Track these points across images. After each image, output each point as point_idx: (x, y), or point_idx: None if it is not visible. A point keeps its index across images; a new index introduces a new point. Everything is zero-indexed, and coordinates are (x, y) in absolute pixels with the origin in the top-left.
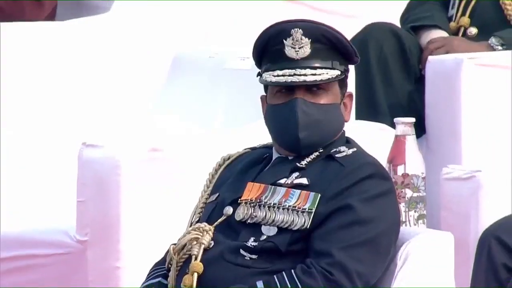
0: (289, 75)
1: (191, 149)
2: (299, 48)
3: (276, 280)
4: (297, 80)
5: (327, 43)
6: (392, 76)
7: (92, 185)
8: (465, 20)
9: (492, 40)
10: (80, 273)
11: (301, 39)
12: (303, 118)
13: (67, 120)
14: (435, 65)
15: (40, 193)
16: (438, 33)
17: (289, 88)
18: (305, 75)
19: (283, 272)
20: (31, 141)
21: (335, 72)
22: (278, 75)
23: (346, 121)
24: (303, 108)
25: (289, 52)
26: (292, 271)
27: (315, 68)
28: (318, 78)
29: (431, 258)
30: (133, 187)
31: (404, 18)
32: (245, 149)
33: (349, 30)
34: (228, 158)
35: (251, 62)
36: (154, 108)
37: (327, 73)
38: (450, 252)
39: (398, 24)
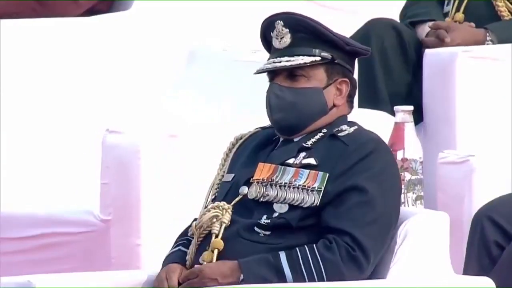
0: (269, 63)
1: (205, 136)
2: (280, 39)
3: (298, 251)
4: (270, 67)
5: (307, 32)
6: (392, 67)
7: (115, 168)
8: (460, 16)
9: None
10: (103, 249)
11: (282, 30)
12: (275, 101)
13: (93, 109)
14: (432, 57)
15: (67, 176)
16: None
17: (272, 76)
18: (279, 62)
19: (305, 246)
20: (60, 128)
21: (314, 58)
22: (265, 65)
23: (336, 106)
24: (276, 92)
25: (275, 43)
26: (314, 245)
27: (292, 55)
28: (287, 64)
29: (428, 236)
30: (152, 170)
31: (403, 14)
32: (256, 128)
33: (352, 25)
34: (241, 138)
35: (262, 54)
36: (172, 97)
37: (302, 59)
38: (445, 231)
39: (397, 20)
